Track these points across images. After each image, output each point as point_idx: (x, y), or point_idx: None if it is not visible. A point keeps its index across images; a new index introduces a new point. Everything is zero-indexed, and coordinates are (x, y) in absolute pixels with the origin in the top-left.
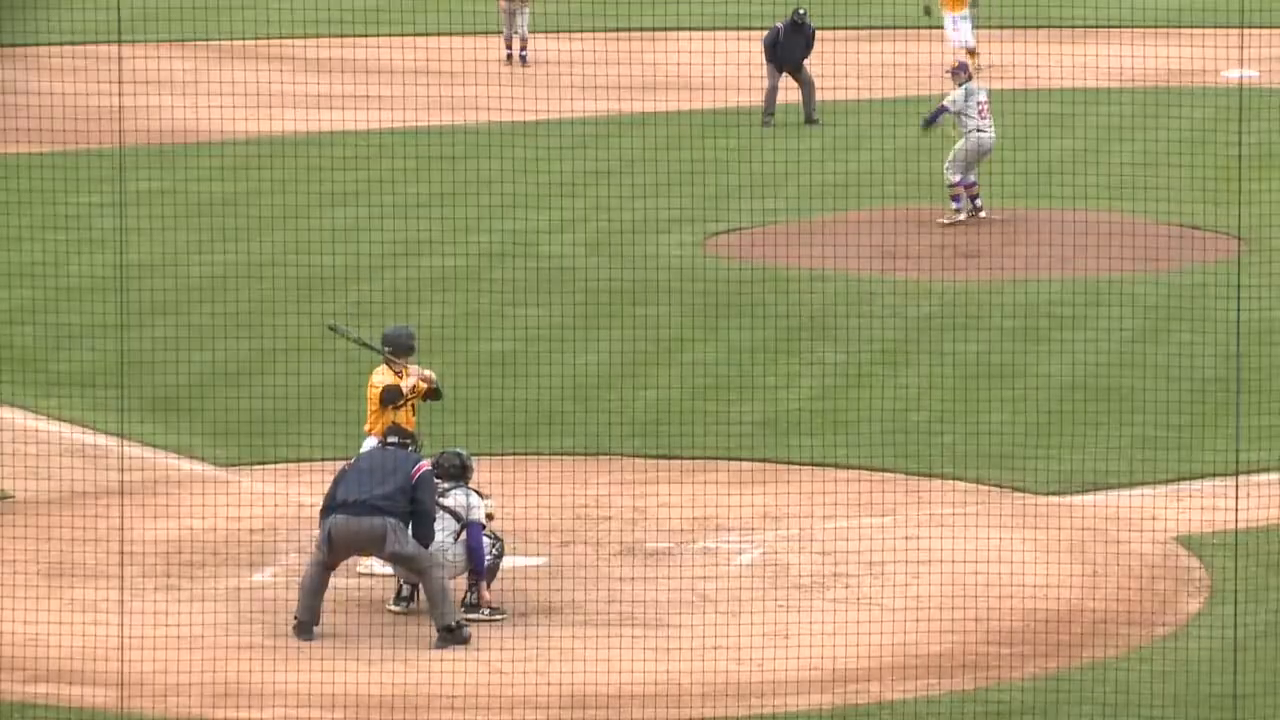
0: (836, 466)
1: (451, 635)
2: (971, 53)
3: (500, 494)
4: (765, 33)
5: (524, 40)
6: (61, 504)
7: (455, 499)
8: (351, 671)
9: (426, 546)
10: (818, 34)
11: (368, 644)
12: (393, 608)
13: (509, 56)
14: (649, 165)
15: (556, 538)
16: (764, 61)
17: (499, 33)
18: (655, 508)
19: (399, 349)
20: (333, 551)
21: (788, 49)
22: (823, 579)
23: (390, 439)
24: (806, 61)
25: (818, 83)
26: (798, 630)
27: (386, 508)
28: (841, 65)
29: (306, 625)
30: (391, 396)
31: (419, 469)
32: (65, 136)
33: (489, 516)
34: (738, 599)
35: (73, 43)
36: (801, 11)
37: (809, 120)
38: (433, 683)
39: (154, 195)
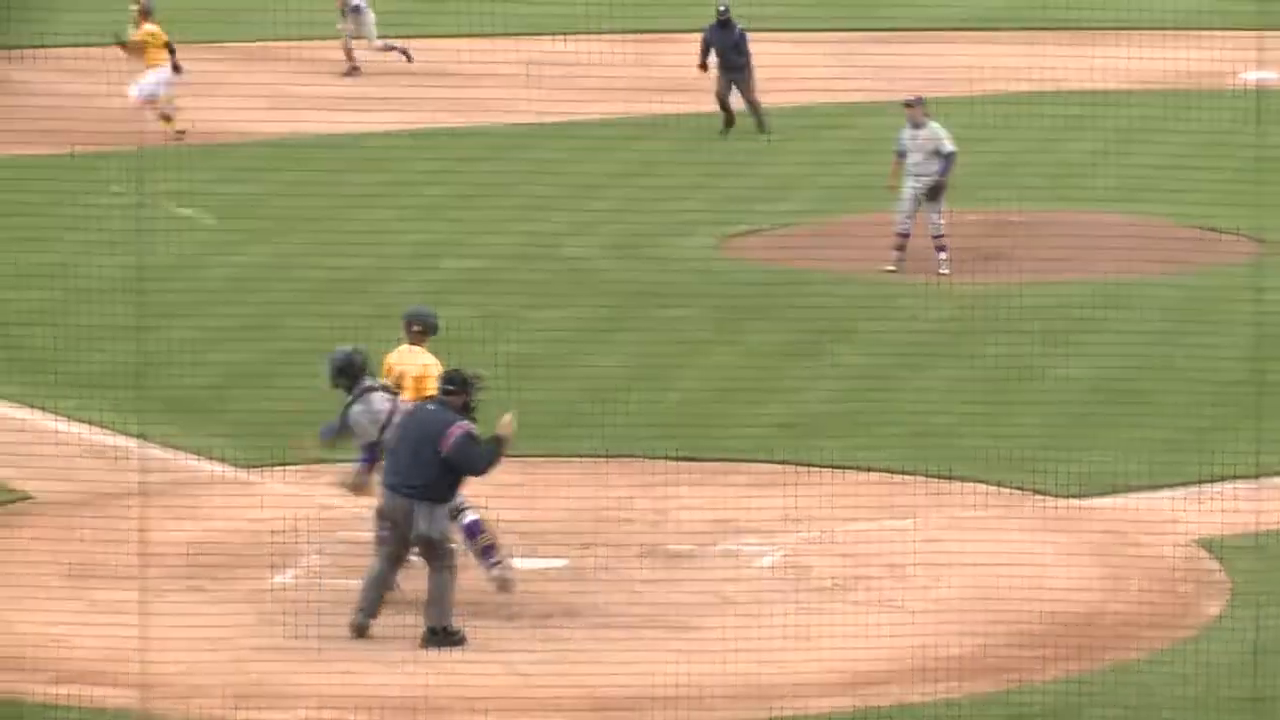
0: (857, 469)
1: (440, 638)
2: (166, 118)
3: (521, 495)
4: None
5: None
6: (82, 505)
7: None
8: (373, 673)
9: (479, 473)
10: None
11: (389, 645)
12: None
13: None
14: (668, 167)
15: (577, 539)
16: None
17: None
18: (676, 510)
19: (428, 327)
20: (388, 524)
21: (719, 50)
22: (844, 581)
23: (447, 386)
24: (750, 76)
25: (840, 84)
26: (819, 632)
27: (417, 492)
28: (861, 67)
29: (362, 626)
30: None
31: (451, 436)
32: (86, 137)
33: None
34: (759, 601)
35: (93, 44)
36: (723, 9)
37: (761, 130)
38: (454, 685)
39: (175, 197)
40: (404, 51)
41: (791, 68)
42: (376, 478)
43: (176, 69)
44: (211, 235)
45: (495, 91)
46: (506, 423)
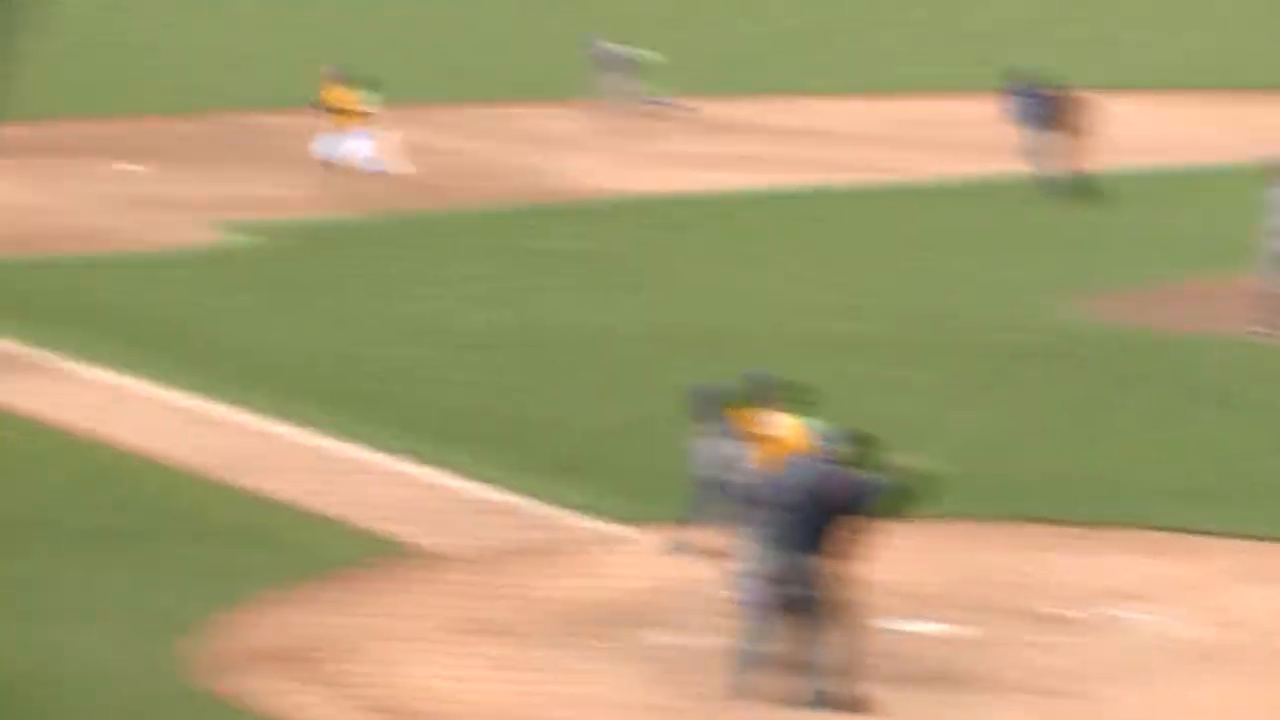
0: (1231, 535)
1: (828, 701)
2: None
3: (897, 559)
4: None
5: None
6: (469, 560)
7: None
8: None
9: (889, 511)
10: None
11: (773, 708)
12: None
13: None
14: (1028, 227)
15: (956, 603)
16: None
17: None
18: (1053, 574)
19: (773, 391)
20: (770, 582)
21: (1026, 115)
22: (1229, 651)
23: (837, 442)
24: (1059, 140)
25: (1203, 143)
26: (1205, 704)
27: (800, 549)
28: (1225, 128)
29: (742, 686)
30: None
31: (844, 484)
32: (458, 193)
33: None
34: (1144, 670)
35: (484, 101)
36: (1015, 70)
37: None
38: None
39: (567, 257)
40: (671, 104)
41: (1152, 126)
42: (720, 538)
43: (363, 129)
44: (575, 294)
45: (859, 151)
46: (915, 460)
